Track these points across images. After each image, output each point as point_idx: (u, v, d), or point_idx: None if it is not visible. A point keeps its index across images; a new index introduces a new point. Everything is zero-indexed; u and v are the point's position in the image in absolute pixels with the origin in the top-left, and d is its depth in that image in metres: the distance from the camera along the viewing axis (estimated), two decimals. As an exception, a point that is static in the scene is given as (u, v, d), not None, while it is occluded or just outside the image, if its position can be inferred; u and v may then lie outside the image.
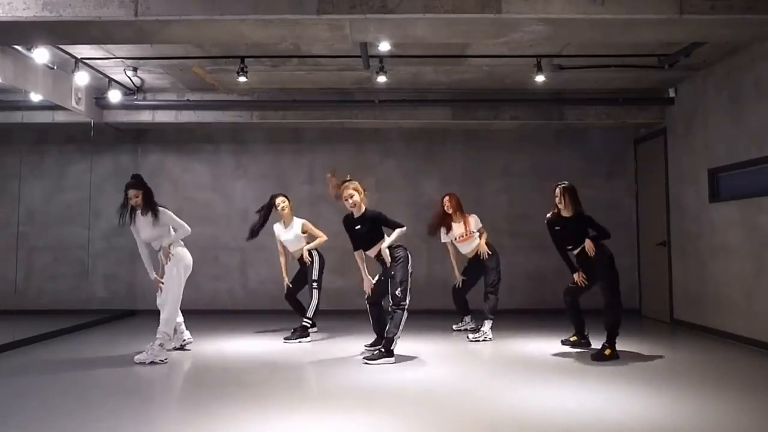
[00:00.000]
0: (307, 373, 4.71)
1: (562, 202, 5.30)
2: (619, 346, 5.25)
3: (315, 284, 6.19)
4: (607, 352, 5.10)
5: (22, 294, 7.04)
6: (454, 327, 6.66)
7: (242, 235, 8.32)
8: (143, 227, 5.12)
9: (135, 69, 6.69)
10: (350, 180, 5.21)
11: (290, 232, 6.25)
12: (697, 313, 6.65)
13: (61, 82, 6.43)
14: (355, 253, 5.28)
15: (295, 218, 6.29)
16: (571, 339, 5.75)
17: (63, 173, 8.05)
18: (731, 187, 6.17)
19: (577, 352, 5.47)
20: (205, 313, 7.66)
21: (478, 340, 5.96)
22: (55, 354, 5.45)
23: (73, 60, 6.16)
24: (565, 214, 5.34)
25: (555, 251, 5.55)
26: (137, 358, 5.01)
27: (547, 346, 5.75)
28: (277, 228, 6.33)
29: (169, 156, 8.44)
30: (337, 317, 7.34)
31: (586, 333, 5.71)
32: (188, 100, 7.55)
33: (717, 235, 6.27)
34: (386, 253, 5.05)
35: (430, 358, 5.19)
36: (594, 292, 5.45)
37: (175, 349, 5.51)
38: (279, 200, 6.21)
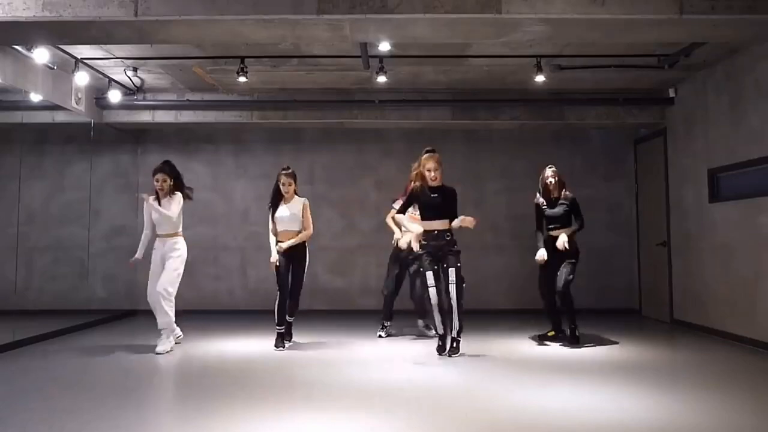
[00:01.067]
0: (307, 373, 4.71)
1: (555, 182, 5.74)
2: (619, 346, 5.27)
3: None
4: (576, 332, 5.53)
5: (22, 294, 7.04)
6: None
7: (242, 235, 8.38)
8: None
9: (135, 69, 6.69)
10: (433, 151, 5.30)
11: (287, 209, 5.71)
12: (697, 313, 6.64)
13: (61, 82, 6.43)
14: (404, 216, 5.45)
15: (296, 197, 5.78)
16: (549, 334, 5.85)
17: (63, 173, 8.05)
18: (731, 187, 6.17)
19: (577, 352, 5.46)
20: (205, 313, 7.66)
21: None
22: (55, 354, 5.45)
23: (73, 60, 6.15)
24: (555, 194, 5.77)
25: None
26: (159, 349, 5.31)
27: (547, 346, 5.75)
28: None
29: (169, 156, 8.30)
30: (337, 317, 7.34)
31: (563, 327, 5.79)
32: (188, 100, 7.55)
33: (717, 235, 6.27)
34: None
35: (430, 358, 5.19)
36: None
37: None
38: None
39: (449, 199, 5.26)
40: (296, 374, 4.71)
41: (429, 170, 5.23)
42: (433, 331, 5.62)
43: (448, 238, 5.20)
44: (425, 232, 5.25)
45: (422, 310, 5.99)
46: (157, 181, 5.56)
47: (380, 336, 6.16)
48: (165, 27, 4.40)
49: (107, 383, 4.39)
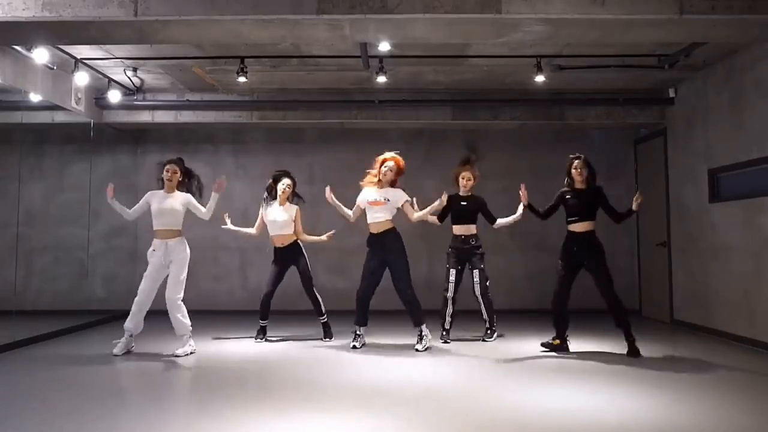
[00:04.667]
0: (307, 373, 4.71)
1: (582, 174, 5.56)
2: (619, 346, 5.26)
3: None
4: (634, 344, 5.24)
5: (22, 294, 7.03)
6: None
7: (242, 235, 8.35)
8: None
9: (135, 69, 6.69)
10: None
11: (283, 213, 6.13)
12: (697, 314, 6.64)
13: (60, 82, 6.42)
14: (436, 220, 6.06)
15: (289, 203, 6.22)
16: (554, 342, 5.44)
17: (63, 173, 8.04)
18: (731, 187, 6.17)
19: (576, 352, 5.45)
20: (205, 313, 7.64)
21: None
22: (55, 354, 5.44)
23: (73, 60, 6.16)
24: (581, 186, 5.56)
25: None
26: (178, 351, 5.24)
27: (547, 352, 5.74)
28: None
29: (169, 156, 8.40)
30: (336, 317, 7.32)
31: (566, 336, 5.47)
32: (188, 100, 7.56)
33: (717, 235, 6.27)
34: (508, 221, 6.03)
35: (430, 358, 5.19)
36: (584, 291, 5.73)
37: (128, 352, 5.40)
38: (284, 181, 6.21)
39: (476, 208, 6.00)
40: (296, 374, 4.70)
41: (462, 178, 6.00)
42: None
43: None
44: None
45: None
46: (167, 171, 5.50)
47: (354, 347, 5.59)
48: (164, 27, 4.40)
49: (107, 383, 4.38)
